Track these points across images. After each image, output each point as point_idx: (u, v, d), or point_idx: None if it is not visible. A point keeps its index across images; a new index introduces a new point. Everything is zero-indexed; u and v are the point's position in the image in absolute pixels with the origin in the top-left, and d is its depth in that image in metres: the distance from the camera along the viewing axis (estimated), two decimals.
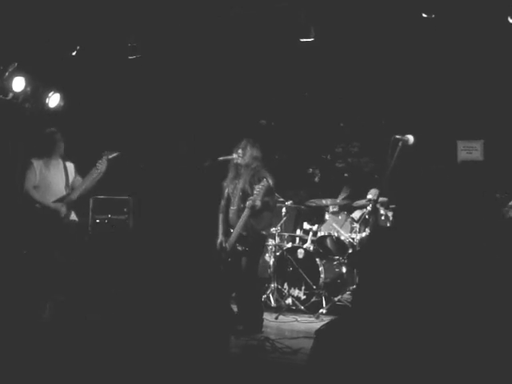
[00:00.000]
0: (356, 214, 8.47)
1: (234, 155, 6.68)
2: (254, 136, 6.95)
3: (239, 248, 6.56)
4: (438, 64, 8.63)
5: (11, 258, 6.79)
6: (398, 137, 5.49)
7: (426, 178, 6.69)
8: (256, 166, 6.68)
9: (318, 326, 6.76)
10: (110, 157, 6.95)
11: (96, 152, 7.53)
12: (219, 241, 6.72)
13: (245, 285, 6.65)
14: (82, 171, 7.22)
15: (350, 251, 7.84)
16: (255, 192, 6.39)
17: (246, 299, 6.70)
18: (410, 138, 5.52)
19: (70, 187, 7.06)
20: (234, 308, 6.69)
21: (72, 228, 7.06)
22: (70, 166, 7.23)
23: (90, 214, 8.53)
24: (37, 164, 6.95)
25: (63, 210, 6.88)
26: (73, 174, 7.20)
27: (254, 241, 6.64)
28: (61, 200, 6.92)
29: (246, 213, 6.45)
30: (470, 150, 9.13)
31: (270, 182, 6.58)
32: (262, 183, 6.39)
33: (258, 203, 6.39)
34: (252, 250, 6.63)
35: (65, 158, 7.17)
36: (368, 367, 2.06)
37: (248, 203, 6.39)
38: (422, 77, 8.91)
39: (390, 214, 7.90)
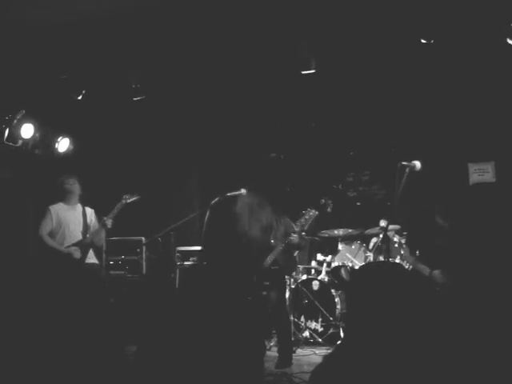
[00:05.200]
0: (374, 241, 8.40)
1: (242, 190, 6.68)
2: (263, 170, 6.94)
3: (266, 283, 6.56)
4: (445, 88, 8.61)
5: (26, 303, 6.79)
6: (404, 163, 5.45)
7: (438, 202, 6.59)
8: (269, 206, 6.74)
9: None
10: (129, 201, 7.03)
11: (108, 194, 7.61)
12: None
13: (278, 319, 6.71)
14: (98, 215, 7.30)
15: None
16: (301, 222, 6.41)
17: (281, 333, 6.75)
18: (417, 164, 5.47)
19: (87, 232, 7.09)
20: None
21: (92, 271, 7.08)
22: (90, 211, 7.28)
23: (104, 255, 8.55)
24: (53, 210, 7.03)
25: (77, 253, 6.89)
26: (92, 219, 7.24)
27: (280, 274, 6.74)
28: (76, 245, 6.95)
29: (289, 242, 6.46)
30: (481, 172, 9.06)
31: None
32: (311, 213, 6.41)
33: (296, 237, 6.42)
34: (278, 283, 6.70)
35: (84, 203, 7.24)
36: None
37: (296, 230, 6.40)
38: (429, 102, 8.88)
39: (403, 241, 7.83)
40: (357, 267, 7.82)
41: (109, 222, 6.96)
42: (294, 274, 8.04)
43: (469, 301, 5.47)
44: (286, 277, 8.08)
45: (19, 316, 6.60)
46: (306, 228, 6.50)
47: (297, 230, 6.42)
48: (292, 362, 6.61)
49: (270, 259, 6.51)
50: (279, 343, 6.74)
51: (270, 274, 6.52)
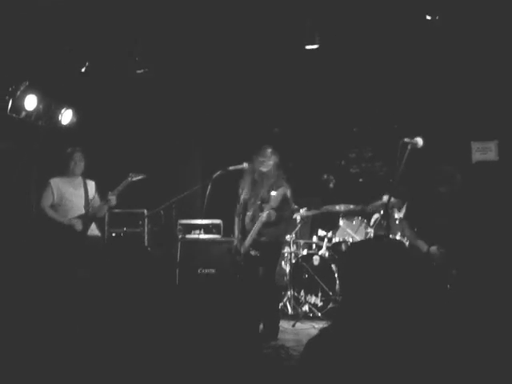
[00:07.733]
0: (375, 217, 8.40)
1: (244, 164, 6.73)
2: (268, 144, 6.96)
3: (252, 253, 6.58)
4: (449, 66, 8.58)
5: (30, 275, 6.83)
6: (406, 140, 5.45)
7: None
8: (277, 174, 6.72)
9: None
10: (135, 179, 7.02)
11: (111, 166, 7.62)
12: (234, 244, 6.77)
13: (262, 292, 6.66)
14: (99, 188, 7.32)
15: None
16: (272, 199, 6.44)
17: (264, 306, 6.72)
18: (419, 141, 5.47)
19: (89, 205, 7.11)
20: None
21: (94, 242, 7.12)
22: (91, 183, 7.30)
23: (106, 227, 8.59)
24: (54, 183, 7.02)
25: (78, 225, 6.91)
26: (93, 191, 7.26)
27: (269, 246, 6.65)
28: (78, 218, 6.96)
29: (260, 219, 6.48)
30: (484, 151, 9.05)
31: (288, 192, 6.61)
32: (279, 191, 6.44)
33: (273, 214, 6.43)
34: (267, 257, 6.64)
35: (86, 176, 7.25)
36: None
37: (264, 214, 6.43)
38: (434, 79, 8.86)
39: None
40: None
41: (113, 199, 6.96)
42: (288, 238, 8.03)
43: (467, 281, 5.49)
44: (286, 251, 8.15)
45: (21, 286, 6.67)
46: (275, 205, 6.51)
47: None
48: (278, 337, 6.65)
49: (247, 243, 6.59)
50: (265, 316, 6.74)
51: (256, 245, 6.59)
